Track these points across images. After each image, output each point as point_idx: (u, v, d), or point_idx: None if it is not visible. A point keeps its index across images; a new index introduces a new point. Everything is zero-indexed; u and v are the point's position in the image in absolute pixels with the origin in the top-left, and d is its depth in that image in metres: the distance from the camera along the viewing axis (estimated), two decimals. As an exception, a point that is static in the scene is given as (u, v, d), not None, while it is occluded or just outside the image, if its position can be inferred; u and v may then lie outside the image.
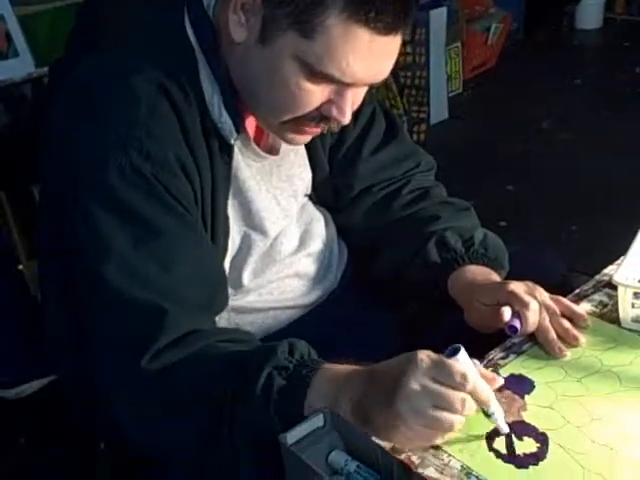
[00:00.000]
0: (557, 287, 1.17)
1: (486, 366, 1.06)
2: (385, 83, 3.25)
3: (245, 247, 1.17)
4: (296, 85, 0.99)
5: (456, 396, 0.84)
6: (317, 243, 1.28)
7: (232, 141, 1.07)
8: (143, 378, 0.94)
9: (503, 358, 1.08)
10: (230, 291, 1.17)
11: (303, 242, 1.27)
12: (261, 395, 0.90)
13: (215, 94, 1.03)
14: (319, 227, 1.30)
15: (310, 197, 1.30)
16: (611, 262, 1.27)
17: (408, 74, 3.52)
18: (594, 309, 1.17)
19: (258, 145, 1.14)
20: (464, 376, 0.85)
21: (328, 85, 1.00)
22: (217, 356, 0.96)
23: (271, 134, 1.15)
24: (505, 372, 1.05)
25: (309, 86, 0.99)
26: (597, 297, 1.19)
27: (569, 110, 3.73)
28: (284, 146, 1.17)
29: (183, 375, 0.94)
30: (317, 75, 0.98)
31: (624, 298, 1.11)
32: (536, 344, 1.10)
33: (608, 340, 1.10)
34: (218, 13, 1.04)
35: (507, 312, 1.07)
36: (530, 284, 1.11)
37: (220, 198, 1.08)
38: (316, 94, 1.00)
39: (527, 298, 1.07)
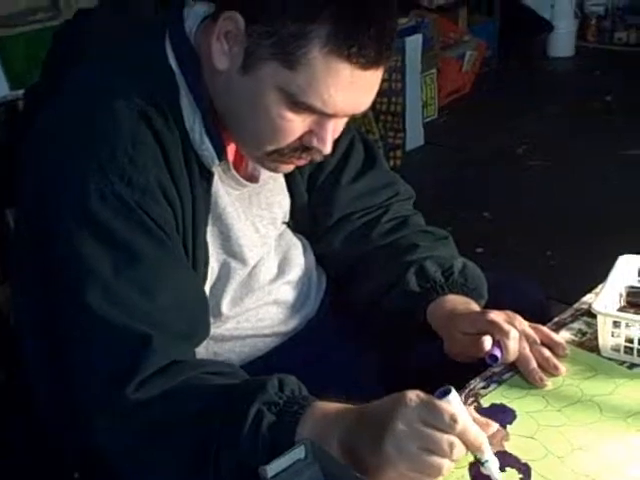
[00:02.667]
0: (535, 314, 1.17)
1: (467, 396, 1.06)
2: (362, 109, 3.27)
3: (224, 275, 1.16)
4: (278, 115, 0.99)
5: (444, 439, 0.82)
6: (296, 271, 1.27)
7: (213, 168, 1.06)
8: (128, 407, 0.92)
9: (484, 388, 1.08)
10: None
11: (282, 270, 1.26)
12: (250, 430, 0.88)
13: (196, 120, 1.03)
14: (297, 255, 1.29)
15: (288, 225, 1.29)
16: (588, 289, 1.27)
17: (384, 100, 3.54)
18: (573, 337, 1.17)
19: (237, 172, 1.13)
20: (453, 418, 0.83)
21: (309, 115, 1.00)
22: (205, 388, 0.94)
23: (250, 162, 1.15)
24: (486, 402, 1.04)
25: (291, 116, 0.99)
26: (576, 325, 1.20)
27: (543, 137, 3.77)
28: (263, 173, 1.17)
29: (170, 406, 0.93)
30: (299, 105, 0.98)
31: (603, 327, 1.11)
32: (517, 373, 1.09)
33: (588, 369, 1.10)
34: (200, 39, 1.03)
35: (487, 341, 1.06)
36: (510, 313, 1.11)
37: (200, 225, 1.07)
38: (297, 124, 1.00)
39: (507, 327, 1.07)
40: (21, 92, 2.21)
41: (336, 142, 1.26)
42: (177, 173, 1.02)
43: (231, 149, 1.11)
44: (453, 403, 0.85)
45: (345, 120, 1.05)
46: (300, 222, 1.29)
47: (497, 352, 1.06)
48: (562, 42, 4.93)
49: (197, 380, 0.95)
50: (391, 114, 3.57)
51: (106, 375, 0.94)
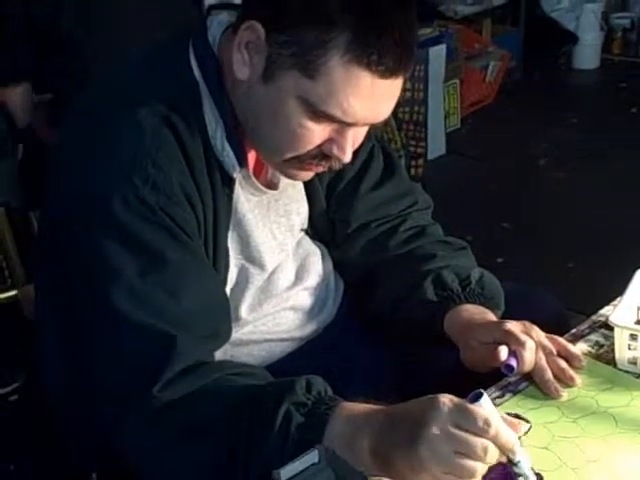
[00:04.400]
0: (553, 326, 1.17)
1: (482, 405, 1.06)
2: (384, 118, 3.27)
3: (243, 280, 1.17)
4: (298, 124, 1.00)
5: (479, 442, 0.82)
6: (313, 277, 1.28)
7: (234, 175, 1.07)
8: (155, 407, 0.94)
9: (499, 397, 1.08)
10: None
11: (299, 276, 1.27)
12: (280, 430, 0.89)
13: (218, 128, 1.04)
14: (315, 262, 1.29)
15: (307, 232, 1.30)
16: (607, 302, 1.27)
17: (406, 109, 3.54)
18: (590, 349, 1.17)
19: (257, 179, 1.14)
20: (487, 422, 0.83)
21: (329, 124, 1.00)
22: (231, 389, 0.95)
23: (270, 169, 1.16)
24: (501, 411, 1.04)
25: (311, 125, 1.00)
26: (593, 337, 1.20)
27: (565, 149, 3.75)
28: (282, 181, 1.18)
29: (197, 406, 0.94)
30: (319, 114, 0.98)
31: (620, 339, 1.11)
32: (532, 384, 1.09)
33: (604, 381, 1.10)
34: (222, 49, 1.05)
35: (504, 351, 1.07)
36: (527, 323, 1.11)
37: (221, 230, 1.08)
38: (317, 133, 1.01)
39: (524, 337, 1.07)
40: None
41: (356, 151, 1.27)
42: (199, 178, 1.03)
43: (251, 156, 1.12)
44: (485, 406, 0.85)
45: (365, 129, 1.06)
46: (319, 229, 1.30)
47: (513, 362, 1.06)
48: (587, 54, 4.90)
49: (223, 381, 0.96)
50: (413, 123, 3.57)
51: (133, 374, 0.95)
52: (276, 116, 1.00)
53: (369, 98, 0.98)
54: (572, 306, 1.56)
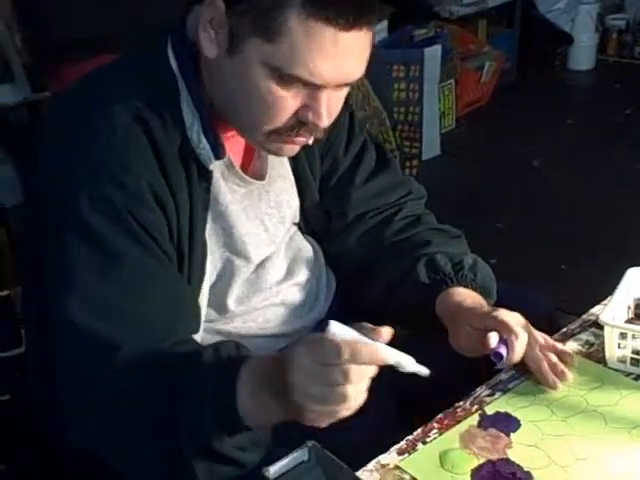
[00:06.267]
0: (542, 326, 1.17)
1: (472, 403, 1.07)
2: (379, 118, 3.27)
3: (228, 273, 1.17)
4: (268, 91, 0.99)
5: (335, 371, 0.84)
6: (305, 273, 1.28)
7: (210, 166, 1.07)
8: (98, 405, 0.97)
9: (489, 395, 1.08)
10: (214, 315, 1.18)
11: (291, 271, 1.27)
12: (194, 399, 0.92)
13: (195, 120, 1.05)
14: (307, 257, 1.30)
15: (299, 227, 1.30)
16: (600, 301, 1.27)
17: (401, 110, 3.54)
18: (580, 348, 1.18)
19: (246, 171, 1.14)
20: (337, 349, 0.83)
21: (300, 90, 1.00)
22: (159, 361, 0.97)
23: (258, 160, 1.16)
24: (491, 409, 1.05)
25: (281, 91, 0.99)
26: (584, 336, 1.20)
27: (560, 149, 3.75)
28: (272, 172, 1.18)
29: (132, 382, 0.96)
30: (286, 79, 0.98)
31: (610, 338, 1.11)
32: (522, 382, 1.10)
33: (594, 380, 1.10)
34: (196, 35, 1.04)
35: (494, 338, 1.07)
36: (520, 316, 1.11)
37: (198, 223, 1.08)
38: (290, 99, 1.00)
39: (517, 328, 1.07)
40: (43, 95, 2.25)
41: (348, 144, 1.27)
42: (172, 174, 1.03)
43: (237, 147, 1.13)
44: (337, 333, 0.85)
45: (341, 93, 1.05)
46: (311, 223, 1.30)
47: (503, 350, 1.06)
48: (582, 55, 4.90)
49: (154, 355, 0.98)
50: (408, 124, 3.58)
51: (76, 374, 0.98)
52: (247, 88, 1.00)
53: (334, 55, 0.97)
54: (565, 307, 1.56)
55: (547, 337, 1.13)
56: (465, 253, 1.28)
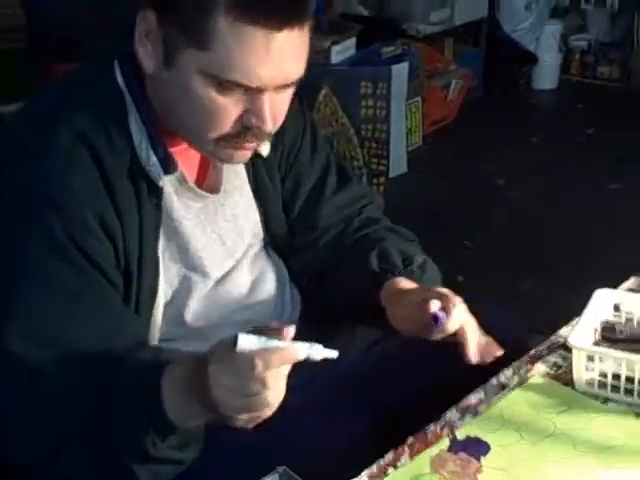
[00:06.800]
0: (511, 346, 1.18)
1: (442, 427, 1.07)
2: (346, 135, 3.28)
3: (185, 289, 1.16)
4: (209, 100, 0.99)
5: (252, 382, 0.86)
6: (268, 291, 1.27)
7: (160, 183, 1.07)
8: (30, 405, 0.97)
9: (460, 419, 1.08)
10: (172, 332, 1.16)
11: (254, 289, 1.25)
12: (124, 404, 0.94)
13: (143, 137, 1.04)
14: (271, 274, 1.28)
15: (265, 243, 1.29)
16: (565, 321, 1.28)
17: (369, 127, 3.56)
18: (548, 370, 1.18)
19: (201, 185, 1.14)
20: (249, 363, 0.85)
21: (241, 95, 0.99)
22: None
23: (213, 173, 1.16)
24: (461, 434, 1.05)
25: (221, 99, 0.99)
26: (552, 358, 1.21)
27: (524, 168, 3.80)
28: (228, 186, 1.18)
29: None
30: (225, 85, 0.98)
31: (578, 361, 1.12)
32: (492, 406, 1.10)
33: (562, 403, 1.11)
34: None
35: (434, 304, 1.08)
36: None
37: (148, 241, 1.07)
38: (231, 105, 1.00)
39: (455, 298, 1.10)
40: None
41: (312, 159, 1.29)
42: (120, 196, 1.03)
43: (192, 162, 1.12)
44: (247, 348, 0.87)
45: (286, 94, 1.04)
46: (277, 238, 1.29)
47: (441, 314, 1.07)
48: (546, 75, 4.98)
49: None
50: (375, 141, 3.59)
51: (13, 399, 0.99)
52: (188, 98, 1.00)
53: (268, 57, 0.96)
54: (530, 325, 1.57)
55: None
56: (417, 253, 1.30)
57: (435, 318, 1.07)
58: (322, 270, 1.31)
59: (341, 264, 1.28)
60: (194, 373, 0.92)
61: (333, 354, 0.92)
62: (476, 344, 1.10)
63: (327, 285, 1.30)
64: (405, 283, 1.20)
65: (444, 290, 1.12)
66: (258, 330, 0.89)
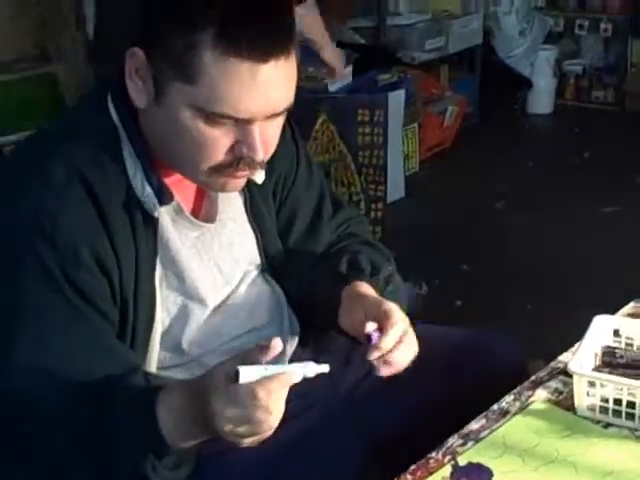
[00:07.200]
0: (510, 373, 1.18)
1: (445, 453, 1.07)
2: (344, 162, 3.30)
3: (182, 316, 1.16)
4: (199, 133, 1.00)
5: (256, 412, 0.90)
6: (266, 318, 1.27)
7: (155, 214, 1.08)
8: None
9: (461, 445, 1.08)
10: (170, 360, 1.16)
11: (251, 317, 1.25)
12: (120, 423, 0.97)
13: (137, 169, 1.06)
14: (269, 302, 1.28)
15: (261, 270, 1.29)
16: (566, 346, 1.29)
17: (366, 153, 3.57)
18: (550, 396, 1.18)
19: (197, 215, 1.15)
20: (252, 395, 0.90)
21: (231, 126, 1.01)
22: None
23: (208, 203, 1.17)
24: (463, 460, 1.05)
25: (211, 131, 1.00)
26: (553, 384, 1.21)
27: (522, 192, 3.82)
28: (223, 215, 1.19)
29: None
30: (213, 118, 0.99)
31: (579, 386, 1.12)
32: (494, 432, 1.10)
33: (564, 428, 1.11)
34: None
35: (370, 325, 1.09)
36: (405, 316, 1.12)
37: (145, 272, 1.08)
38: (222, 137, 1.01)
39: (396, 319, 1.09)
40: (8, 138, 2.24)
41: (309, 185, 1.30)
42: (115, 228, 1.04)
43: (188, 192, 1.14)
44: (247, 379, 0.91)
45: (276, 123, 1.05)
46: (273, 262, 1.29)
47: (375, 334, 1.09)
48: (541, 99, 5.02)
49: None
50: (373, 167, 3.60)
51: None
52: (178, 132, 1.02)
53: (255, 88, 0.98)
54: (530, 349, 1.57)
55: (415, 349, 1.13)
56: (387, 266, 1.30)
57: (369, 338, 1.09)
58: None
59: (315, 267, 1.30)
60: (192, 398, 0.95)
61: (325, 369, 0.97)
62: (391, 341, 1.09)
63: (295, 273, 1.31)
64: (366, 289, 1.21)
65: (393, 309, 1.11)
66: (248, 355, 0.94)
